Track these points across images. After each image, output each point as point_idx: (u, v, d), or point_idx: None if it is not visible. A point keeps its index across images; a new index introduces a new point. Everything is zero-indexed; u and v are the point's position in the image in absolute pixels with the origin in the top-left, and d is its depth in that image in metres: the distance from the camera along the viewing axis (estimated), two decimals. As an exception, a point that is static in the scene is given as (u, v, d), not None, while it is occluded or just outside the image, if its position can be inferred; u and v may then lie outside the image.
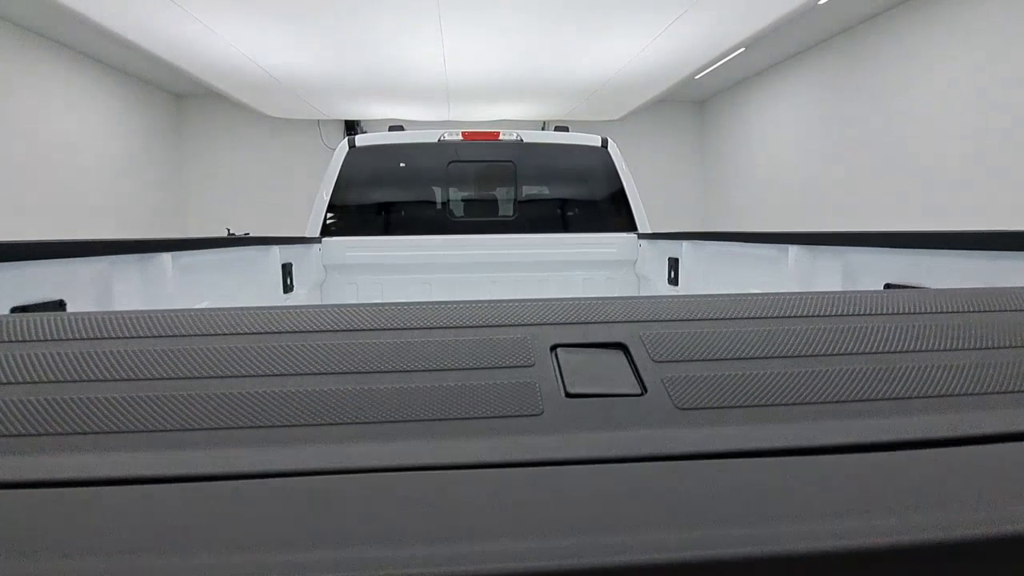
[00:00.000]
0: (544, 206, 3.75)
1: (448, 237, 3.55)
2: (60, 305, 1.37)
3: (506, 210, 3.67)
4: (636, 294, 3.74)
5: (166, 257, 1.75)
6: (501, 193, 3.67)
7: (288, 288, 3.01)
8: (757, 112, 9.30)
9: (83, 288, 1.45)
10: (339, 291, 3.57)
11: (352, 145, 3.61)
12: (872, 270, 1.64)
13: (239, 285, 2.44)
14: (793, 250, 1.94)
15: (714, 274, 2.73)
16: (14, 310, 1.24)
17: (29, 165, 6.83)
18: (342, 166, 3.58)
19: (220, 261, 2.25)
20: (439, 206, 3.63)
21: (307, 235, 3.41)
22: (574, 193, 3.76)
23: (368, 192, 3.62)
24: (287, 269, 3.01)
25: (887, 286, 1.58)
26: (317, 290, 3.51)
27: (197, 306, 2.04)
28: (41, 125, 7.04)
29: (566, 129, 3.79)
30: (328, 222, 3.56)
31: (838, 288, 1.75)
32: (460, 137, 3.62)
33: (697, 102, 11.28)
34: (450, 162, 3.61)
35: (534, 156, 3.67)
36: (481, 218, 3.64)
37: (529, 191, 3.67)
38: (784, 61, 8.33)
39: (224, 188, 10.59)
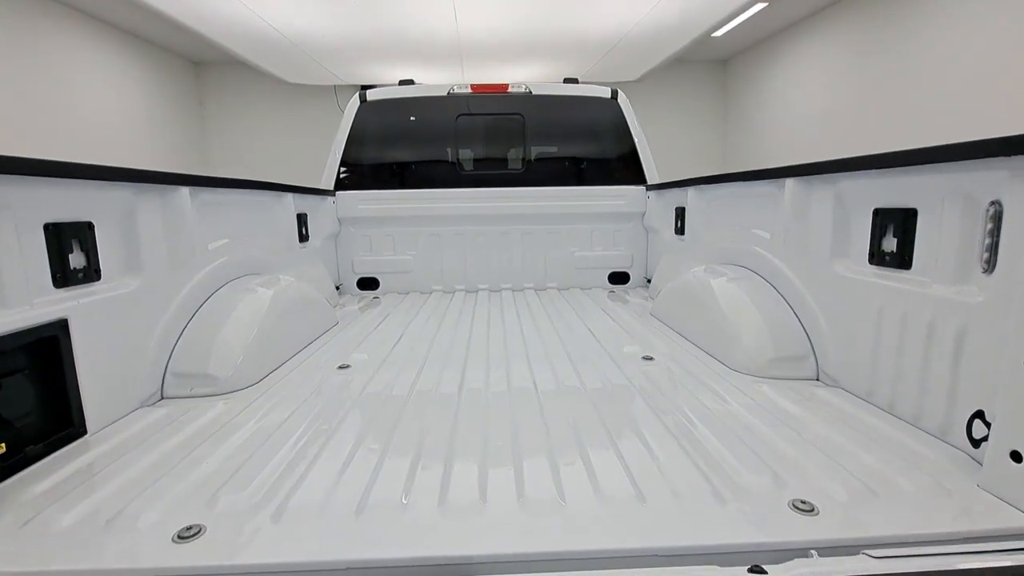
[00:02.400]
0: (553, 159, 3.77)
1: (458, 190, 3.62)
2: (89, 227, 1.49)
3: (515, 163, 3.71)
4: (644, 246, 3.77)
5: (184, 191, 1.86)
6: (510, 146, 3.70)
7: (304, 238, 3.13)
8: (782, 71, 9.00)
9: (110, 213, 1.57)
10: (353, 243, 3.69)
11: (363, 99, 3.66)
12: (862, 196, 1.66)
13: (257, 229, 2.56)
14: (789, 183, 1.96)
15: (717, 219, 2.75)
16: (47, 226, 1.36)
17: (55, 130, 7.04)
18: (354, 120, 3.65)
19: (237, 202, 2.36)
20: (449, 159, 3.69)
21: (322, 188, 3.51)
22: (583, 145, 3.77)
23: (379, 146, 3.69)
24: (302, 219, 3.13)
25: (876, 212, 1.60)
26: (332, 241, 3.63)
27: (216, 244, 2.16)
28: (66, 92, 7.23)
29: (576, 81, 3.78)
30: (341, 176, 3.65)
31: (829, 217, 1.78)
32: (469, 90, 3.64)
33: (720, 61, 10.94)
34: (459, 115, 3.64)
35: (543, 108, 3.67)
36: (490, 171, 3.68)
37: (538, 144, 3.69)
38: (810, 17, 8.02)
39: (244, 154, 10.76)
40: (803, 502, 1.05)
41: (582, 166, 3.77)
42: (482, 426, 1.46)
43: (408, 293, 3.69)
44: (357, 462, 1.26)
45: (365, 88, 3.72)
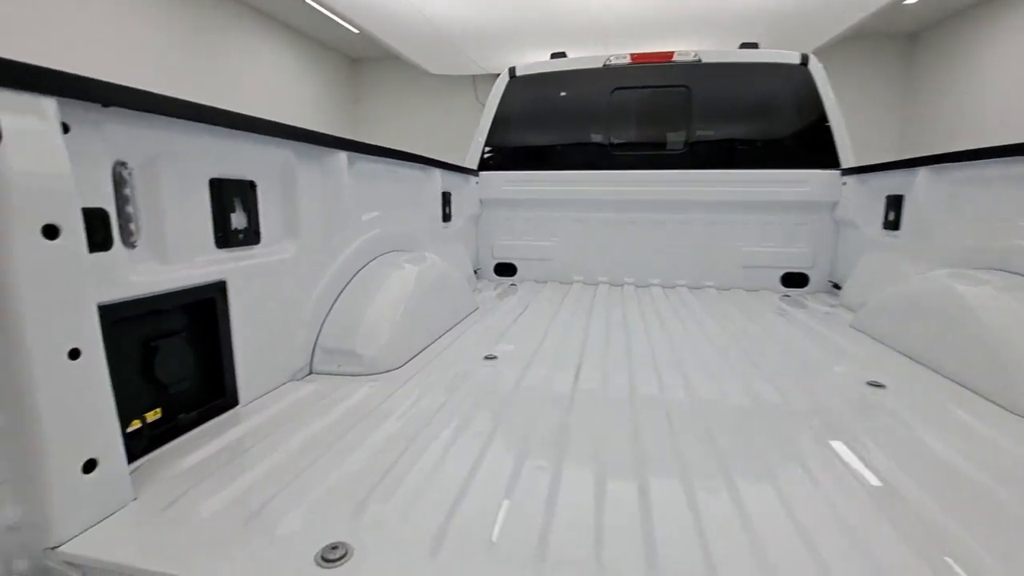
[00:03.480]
0: (723, 137, 3.26)
1: (609, 173, 3.28)
2: (251, 186, 1.40)
3: (677, 143, 3.27)
4: (832, 243, 3.13)
5: (342, 156, 1.75)
6: (672, 123, 3.27)
7: (447, 217, 3.01)
8: (991, 47, 7.34)
9: (271, 173, 1.48)
10: (493, 226, 3.52)
11: (512, 75, 3.47)
12: None
13: (404, 204, 2.45)
14: None
15: (958, 211, 2.11)
16: (212, 182, 1.28)
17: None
18: (502, 97, 3.47)
19: (388, 174, 2.26)
20: (601, 138, 3.35)
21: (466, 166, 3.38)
22: (762, 121, 3.21)
23: (527, 124, 3.47)
24: (446, 198, 3.00)
25: None
26: (472, 223, 3.50)
27: (368, 216, 2.06)
28: (235, 86, 8.07)
29: (755, 46, 3.24)
30: (486, 155, 3.50)
31: None
32: (628, 60, 3.28)
33: (907, 35, 9.30)
34: (615, 89, 3.30)
35: (714, 79, 3.19)
36: (648, 152, 3.28)
37: (706, 120, 3.21)
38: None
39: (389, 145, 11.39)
40: None
41: (758, 146, 3.21)
42: (673, 445, 1.14)
43: (547, 282, 3.45)
44: (527, 482, 1.00)
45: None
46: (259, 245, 1.45)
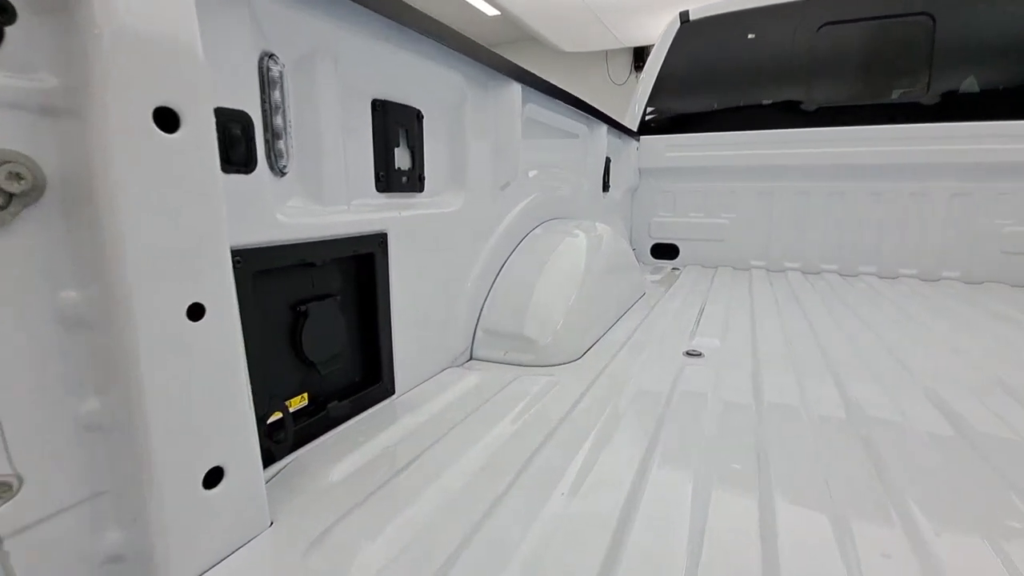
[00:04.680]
0: (985, 81, 2.44)
1: (811, 131, 2.63)
2: (418, 117, 1.10)
3: (907, 90, 2.52)
4: None
5: (516, 89, 1.40)
6: (905, 64, 2.52)
7: (605, 187, 2.60)
8: None
9: (438, 103, 1.17)
10: (651, 200, 3.04)
11: (685, 19, 2.93)
12: None
13: (566, 164, 2.08)
14: None
15: None
16: (375, 104, 0.99)
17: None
18: (670, 48, 2.95)
19: (554, 125, 1.89)
20: (801, 89, 2.69)
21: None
22: None
23: (701, 77, 2.91)
24: (607, 165, 2.59)
25: None
26: (629, 197, 3.05)
27: (531, 173, 1.72)
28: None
29: (1038, -47, 2.37)
30: (647, 118, 3.01)
31: None
32: (842, -12, 2.59)
33: None
34: (822, 25, 2.63)
35: (974, 2, 2.39)
36: (866, 103, 2.57)
37: (956, 58, 2.42)
38: None
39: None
40: None
41: None
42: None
43: (717, 268, 2.90)
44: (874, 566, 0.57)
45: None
46: (422, 194, 1.15)
